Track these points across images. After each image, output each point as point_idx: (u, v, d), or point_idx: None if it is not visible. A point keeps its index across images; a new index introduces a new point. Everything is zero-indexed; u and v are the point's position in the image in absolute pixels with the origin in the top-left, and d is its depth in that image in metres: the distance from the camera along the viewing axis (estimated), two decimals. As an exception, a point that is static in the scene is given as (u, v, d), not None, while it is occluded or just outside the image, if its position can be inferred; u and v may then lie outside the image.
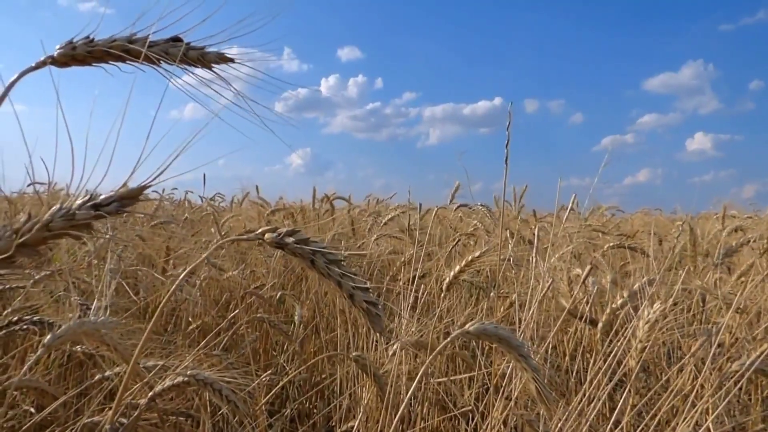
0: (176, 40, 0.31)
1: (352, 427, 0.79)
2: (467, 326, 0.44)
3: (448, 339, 0.44)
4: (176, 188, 2.82)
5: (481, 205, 1.92)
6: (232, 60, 0.32)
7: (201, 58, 0.31)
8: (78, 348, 0.80)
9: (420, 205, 1.29)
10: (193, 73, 0.33)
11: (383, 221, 1.79)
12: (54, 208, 0.27)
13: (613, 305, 0.75)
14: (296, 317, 1.14)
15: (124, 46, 0.30)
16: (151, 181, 0.27)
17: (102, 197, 0.28)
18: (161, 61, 0.30)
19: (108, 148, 0.29)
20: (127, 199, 0.28)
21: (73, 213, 0.27)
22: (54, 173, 0.30)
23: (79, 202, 0.27)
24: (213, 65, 0.32)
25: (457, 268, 0.82)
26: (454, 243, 1.21)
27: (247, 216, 2.00)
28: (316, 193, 1.97)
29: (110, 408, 0.61)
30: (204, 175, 1.97)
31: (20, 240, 0.25)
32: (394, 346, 0.77)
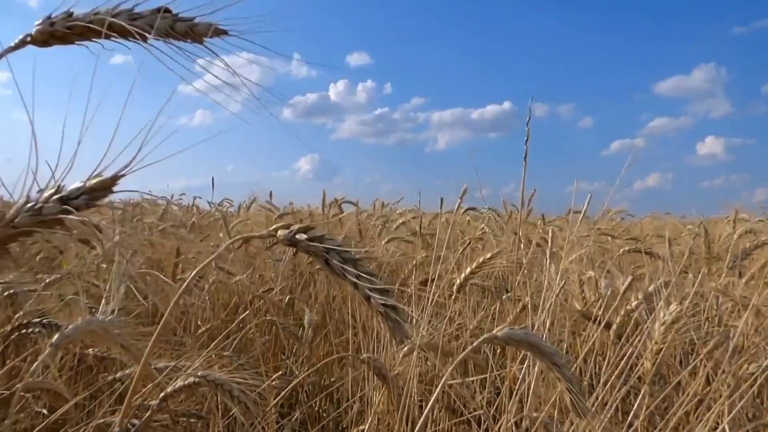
0: (165, 11, 0.28)
1: (363, 431, 0.78)
2: (495, 331, 0.42)
3: (475, 344, 0.42)
4: (184, 194, 2.82)
5: (489, 208, 1.91)
6: (225, 32, 0.29)
7: (190, 30, 0.29)
8: (89, 351, 0.81)
9: (441, 202, 1.28)
10: (181, 49, 0.31)
11: (393, 227, 1.79)
12: (19, 203, 0.25)
13: (628, 307, 0.74)
14: (306, 321, 1.14)
15: (104, 19, 0.27)
16: (124, 170, 0.25)
17: (70, 189, 0.26)
18: (147, 37, 0.28)
19: (110, 153, 0.29)
20: (98, 191, 0.25)
21: (40, 208, 0.25)
22: (62, 179, 0.30)
23: (46, 194, 0.25)
24: (204, 38, 0.29)
25: (468, 270, 0.81)
26: (464, 246, 1.20)
27: (255, 221, 2.00)
28: (325, 197, 1.97)
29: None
30: (213, 179, 1.98)
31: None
32: (405, 349, 0.76)
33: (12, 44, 0.29)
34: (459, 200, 1.76)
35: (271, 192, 2.35)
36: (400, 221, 1.86)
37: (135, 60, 0.35)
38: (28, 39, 0.29)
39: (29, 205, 0.25)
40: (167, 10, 0.29)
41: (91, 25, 0.28)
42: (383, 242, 1.59)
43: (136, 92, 0.32)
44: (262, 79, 0.36)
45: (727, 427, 0.53)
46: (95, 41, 0.29)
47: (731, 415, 0.54)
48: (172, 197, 2.51)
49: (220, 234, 1.73)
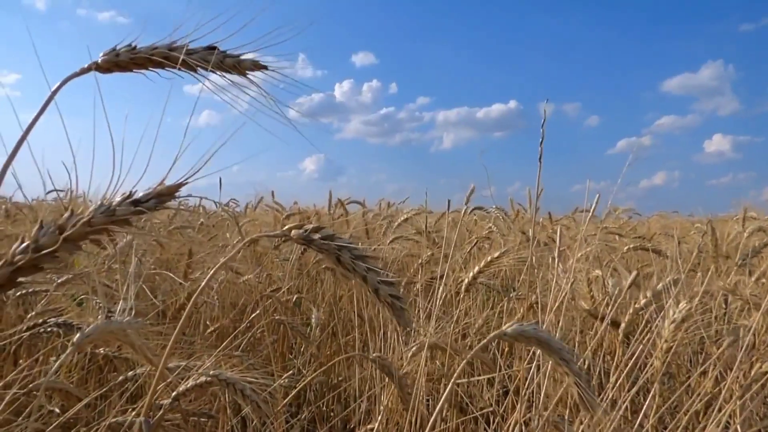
0: (212, 48, 0.33)
1: (372, 429, 0.78)
2: (504, 327, 0.42)
3: (485, 340, 0.42)
4: (190, 194, 2.82)
5: (496, 207, 1.90)
6: (266, 67, 0.34)
7: (237, 65, 0.33)
8: (100, 350, 0.81)
9: (426, 202, 1.28)
10: (225, 77, 0.34)
11: (396, 224, 1.79)
12: (95, 205, 0.28)
13: (636, 305, 0.74)
14: (313, 320, 1.14)
15: (165, 53, 0.32)
16: (187, 179, 0.28)
17: (141, 194, 0.29)
18: (199, 68, 0.32)
19: (125, 153, 0.30)
20: (165, 195, 0.29)
21: (113, 209, 0.28)
22: (75, 181, 0.30)
23: (118, 198, 0.29)
24: (247, 72, 0.33)
25: (476, 269, 0.81)
26: (472, 246, 1.20)
27: (263, 221, 2.01)
28: (331, 197, 1.97)
29: (134, 409, 0.62)
30: (220, 179, 1.98)
31: (64, 235, 0.26)
32: (413, 348, 0.76)
33: (77, 70, 0.32)
34: (466, 199, 1.76)
35: (273, 192, 2.35)
36: (402, 218, 1.86)
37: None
38: (94, 66, 0.32)
39: (104, 206, 0.29)
40: (214, 47, 0.33)
41: (151, 57, 0.32)
42: (388, 241, 1.59)
43: (140, 91, 0.34)
44: (271, 80, 0.37)
45: (739, 428, 0.53)
46: (152, 70, 0.33)
47: (744, 414, 0.54)
48: (179, 198, 2.51)
49: (228, 234, 1.74)
